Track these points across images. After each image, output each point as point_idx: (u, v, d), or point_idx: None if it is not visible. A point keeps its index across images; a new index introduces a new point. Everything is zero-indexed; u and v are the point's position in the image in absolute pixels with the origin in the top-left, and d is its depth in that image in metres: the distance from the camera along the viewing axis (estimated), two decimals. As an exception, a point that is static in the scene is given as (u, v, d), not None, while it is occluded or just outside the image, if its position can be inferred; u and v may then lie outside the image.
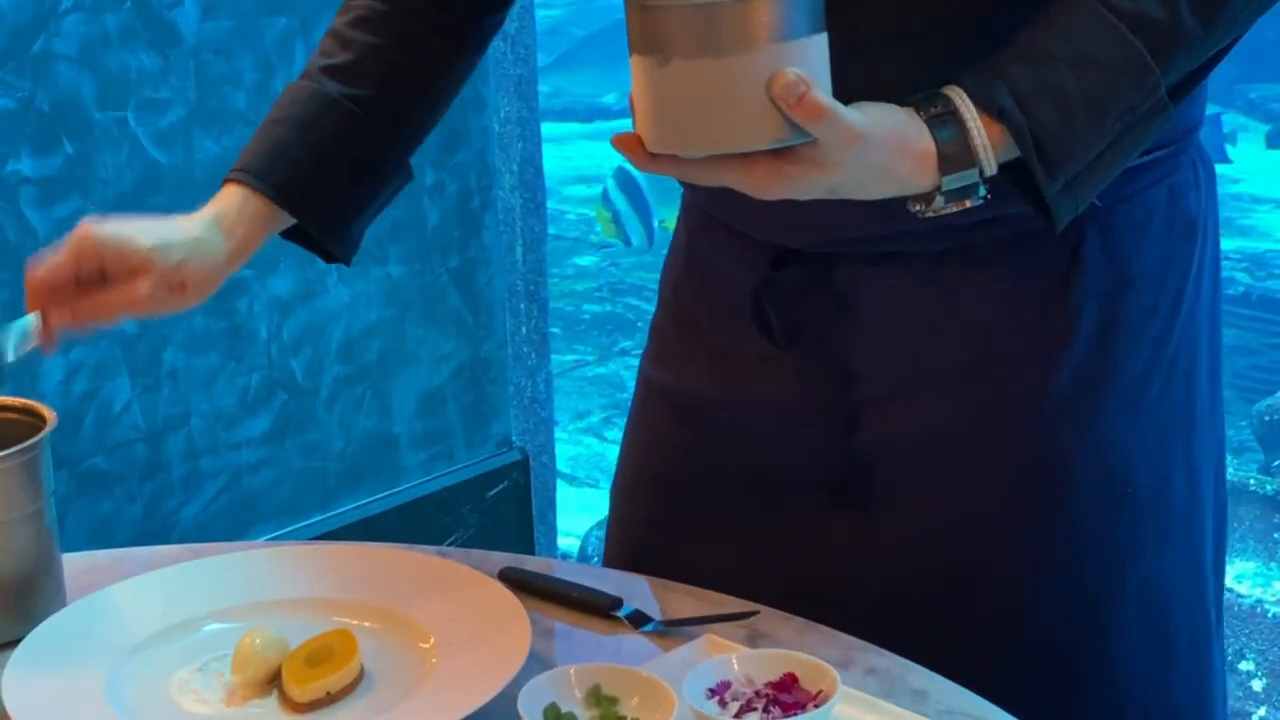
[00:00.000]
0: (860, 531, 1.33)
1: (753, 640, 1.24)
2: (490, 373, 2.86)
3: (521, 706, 1.10)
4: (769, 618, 1.27)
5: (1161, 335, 1.31)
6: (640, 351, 1.50)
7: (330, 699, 1.18)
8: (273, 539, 2.52)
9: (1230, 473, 3.31)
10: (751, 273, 1.33)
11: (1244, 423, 4.31)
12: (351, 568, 1.32)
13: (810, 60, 1.06)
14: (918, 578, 1.32)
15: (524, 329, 2.92)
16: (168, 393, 2.47)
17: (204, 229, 1.34)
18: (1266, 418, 4.30)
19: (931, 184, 1.11)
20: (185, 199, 2.46)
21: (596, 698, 1.13)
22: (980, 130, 1.11)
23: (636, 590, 1.32)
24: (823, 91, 1.06)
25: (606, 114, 7.59)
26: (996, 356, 1.29)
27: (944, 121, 1.11)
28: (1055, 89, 1.11)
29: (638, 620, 1.27)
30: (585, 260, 6.30)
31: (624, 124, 1.13)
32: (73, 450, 2.36)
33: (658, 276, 1.48)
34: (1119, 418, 1.30)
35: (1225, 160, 6.24)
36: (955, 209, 1.13)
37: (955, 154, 1.11)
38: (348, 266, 1.45)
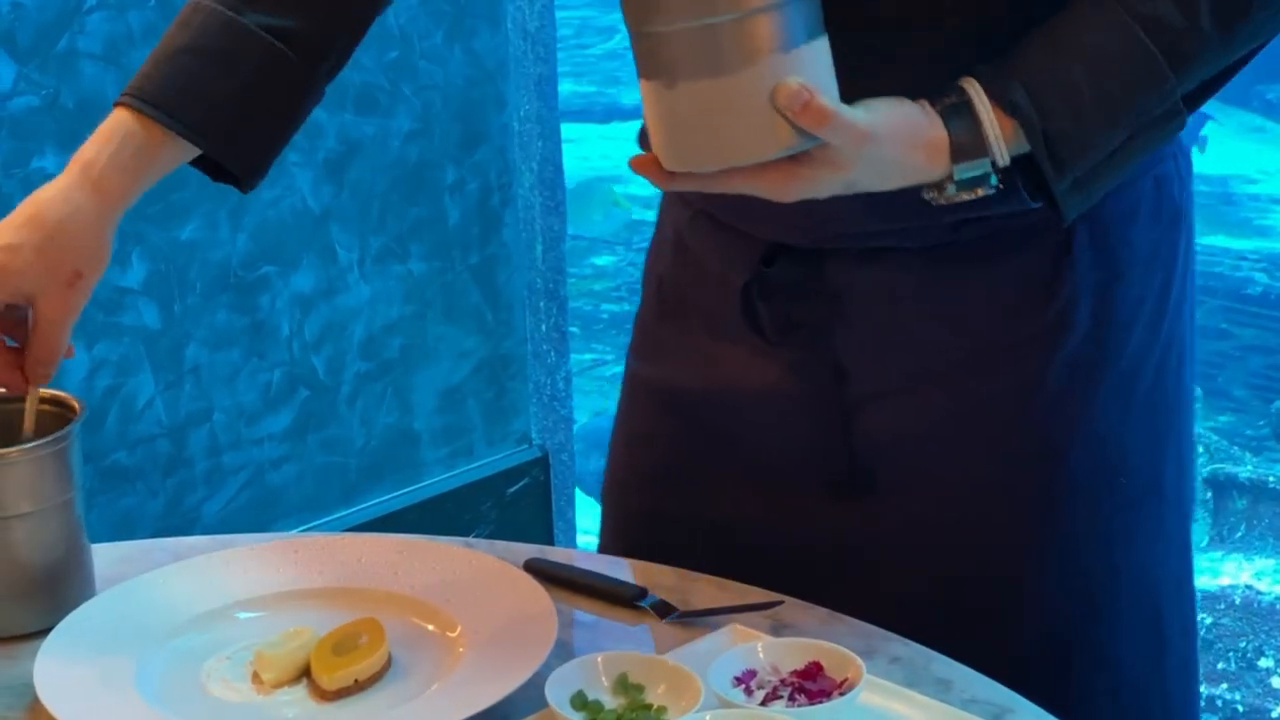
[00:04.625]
0: (856, 525, 1.34)
1: (777, 630, 1.24)
2: (510, 370, 2.86)
3: (549, 694, 1.11)
4: (792, 607, 1.28)
5: (1152, 326, 1.32)
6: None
7: (358, 687, 1.19)
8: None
9: (1249, 470, 3.32)
10: (743, 268, 1.33)
11: (1261, 421, 4.30)
12: (378, 558, 1.33)
13: (812, 66, 1.08)
14: (915, 571, 1.33)
15: (543, 326, 2.92)
16: (190, 389, 2.48)
17: (61, 207, 1.27)
18: (1285, 416, 4.29)
19: (944, 172, 1.13)
20: (207, 194, 2.48)
21: (624, 686, 1.14)
22: (993, 121, 1.12)
23: (660, 580, 1.32)
24: (827, 96, 1.08)
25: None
26: (990, 352, 1.29)
27: (957, 111, 1.13)
28: (1069, 87, 1.12)
29: (662, 610, 1.28)
30: (603, 260, 6.30)
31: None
32: (96, 446, 2.37)
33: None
34: (1113, 409, 1.31)
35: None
36: (968, 197, 1.14)
37: (967, 143, 1.12)
38: (245, 194, 1.37)
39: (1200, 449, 3.36)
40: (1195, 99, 1.18)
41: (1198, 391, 3.44)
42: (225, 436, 2.53)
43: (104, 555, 1.36)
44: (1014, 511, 1.32)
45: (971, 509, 1.32)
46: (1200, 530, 3.29)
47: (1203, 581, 3.00)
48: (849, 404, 1.32)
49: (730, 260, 1.35)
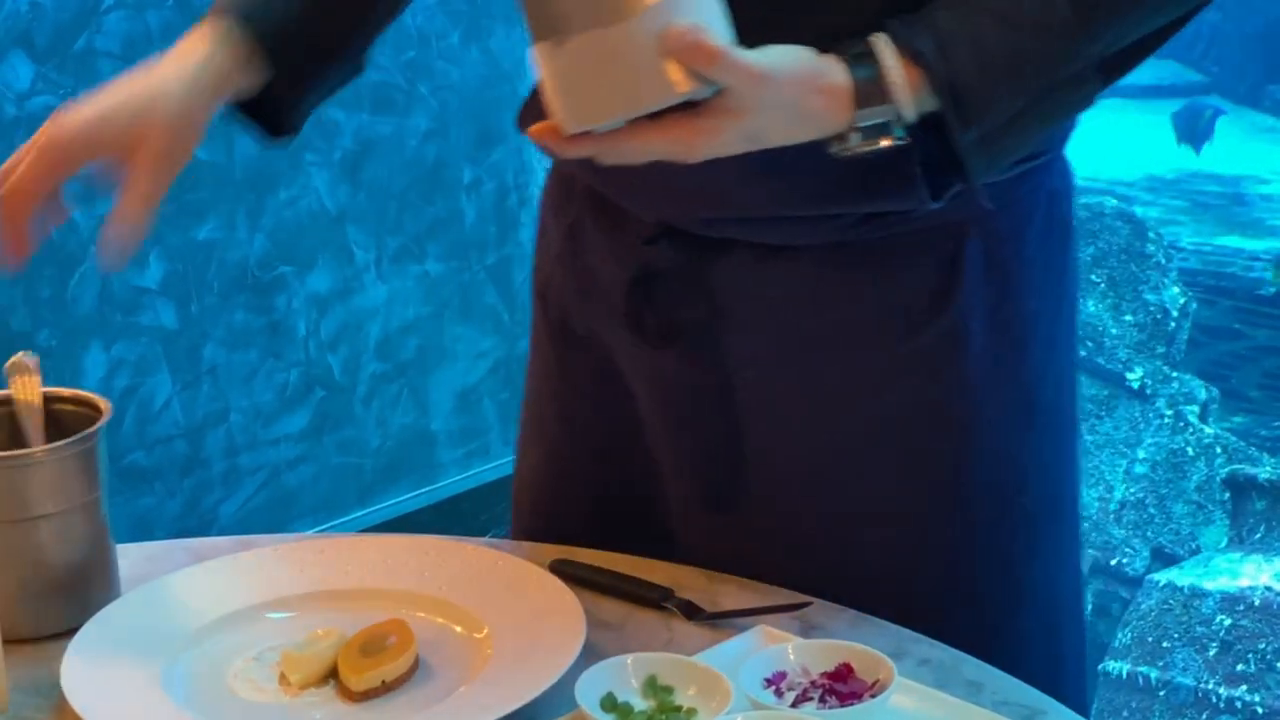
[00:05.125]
0: (746, 543, 1.33)
1: (805, 631, 1.24)
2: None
3: (579, 695, 1.10)
4: (821, 609, 1.27)
5: (1049, 343, 1.31)
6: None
7: (386, 688, 1.18)
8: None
9: (1268, 471, 3.31)
10: (629, 262, 1.31)
11: (1277, 422, 4.29)
12: (403, 558, 1.32)
13: (702, 9, 1.07)
14: (813, 586, 1.30)
15: (559, 327, 2.92)
16: (207, 389, 2.47)
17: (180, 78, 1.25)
18: (1299, 418, 4.29)
19: (847, 120, 1.11)
20: (224, 195, 2.48)
21: (653, 687, 1.13)
22: (898, 69, 1.11)
23: (686, 581, 1.31)
24: (717, 37, 1.06)
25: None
26: (884, 366, 1.27)
27: (861, 59, 1.12)
28: (976, 39, 1.12)
29: (689, 611, 1.27)
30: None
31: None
32: (113, 446, 2.36)
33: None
34: (1015, 429, 1.30)
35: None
36: (869, 148, 1.12)
37: (870, 90, 1.11)
38: (283, 150, 1.39)
39: (1218, 450, 3.35)
40: (1113, 69, 1.16)
41: (1214, 391, 3.44)
42: (242, 437, 2.52)
43: (126, 555, 1.35)
44: (912, 531, 1.30)
45: (867, 530, 1.30)
46: (1219, 531, 3.29)
47: (1221, 583, 2.99)
48: (737, 418, 1.31)
49: (617, 256, 1.32)
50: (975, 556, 1.31)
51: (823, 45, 1.12)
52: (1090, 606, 3.26)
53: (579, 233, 1.37)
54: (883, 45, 1.12)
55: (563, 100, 1.09)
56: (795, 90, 1.10)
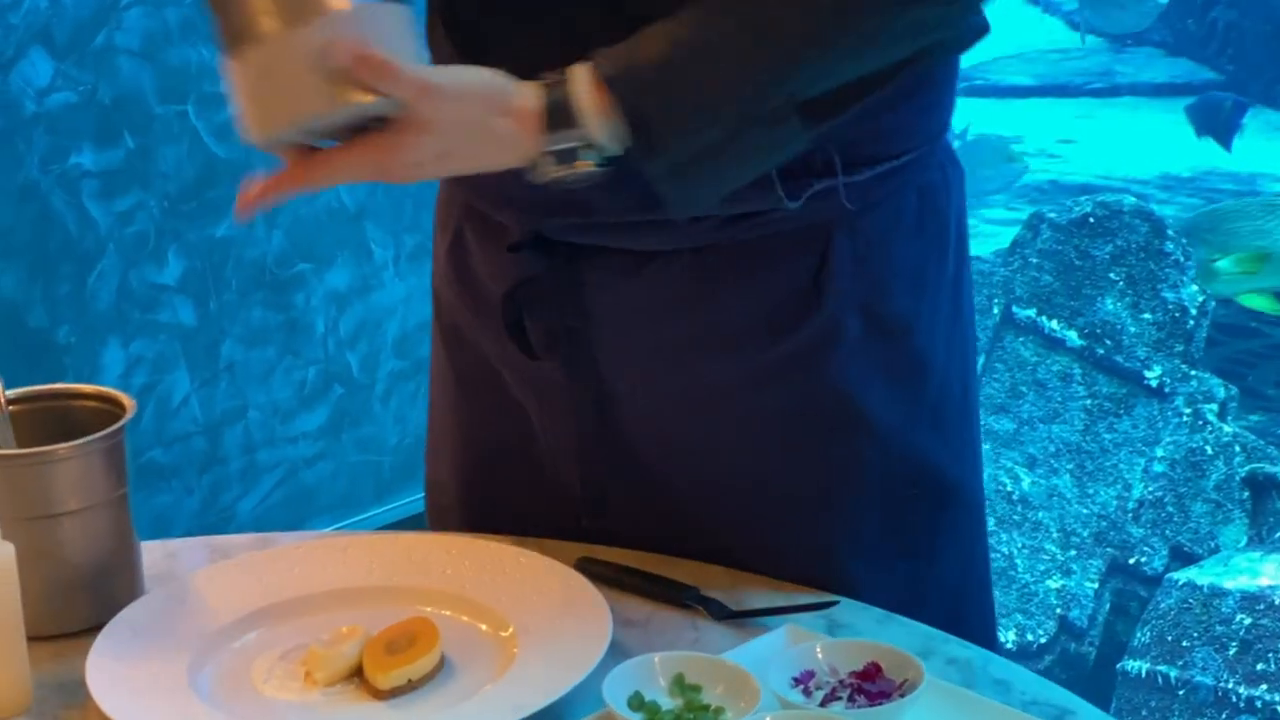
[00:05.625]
0: (633, 536, 1.33)
1: (832, 630, 1.23)
2: (543, 367, 2.86)
3: (607, 694, 1.10)
4: (848, 607, 1.26)
5: (947, 341, 1.31)
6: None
7: (411, 686, 1.18)
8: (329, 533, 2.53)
9: (1296, 472, 3.30)
10: (502, 278, 1.31)
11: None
12: (428, 556, 1.32)
13: (377, 25, 1.09)
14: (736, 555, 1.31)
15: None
16: (225, 386, 2.47)
17: None
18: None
19: (535, 143, 1.13)
20: (242, 193, 2.47)
21: (681, 686, 1.13)
22: (589, 95, 1.12)
23: (713, 580, 1.31)
24: (390, 51, 1.08)
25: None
26: (763, 366, 1.27)
27: (554, 86, 1.13)
28: (667, 69, 1.12)
29: (715, 610, 1.27)
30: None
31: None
32: (131, 443, 2.35)
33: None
34: (898, 421, 1.30)
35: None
36: (564, 174, 1.13)
37: (559, 115, 1.12)
38: None
39: (1237, 449, 3.34)
40: (816, 113, 1.15)
41: (1233, 390, 3.43)
42: (260, 434, 2.52)
43: (148, 552, 1.35)
44: (813, 529, 1.30)
45: (763, 530, 1.30)
46: (1238, 530, 3.28)
47: (1241, 582, 2.98)
48: (617, 430, 1.31)
49: (494, 268, 1.32)
50: (875, 547, 1.31)
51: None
52: (1108, 605, 3.25)
53: (459, 247, 1.37)
54: (578, 71, 1.13)
55: (246, 110, 1.11)
56: (479, 109, 1.12)
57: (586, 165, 1.13)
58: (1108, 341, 3.40)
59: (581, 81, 1.12)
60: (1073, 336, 3.40)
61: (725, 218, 1.23)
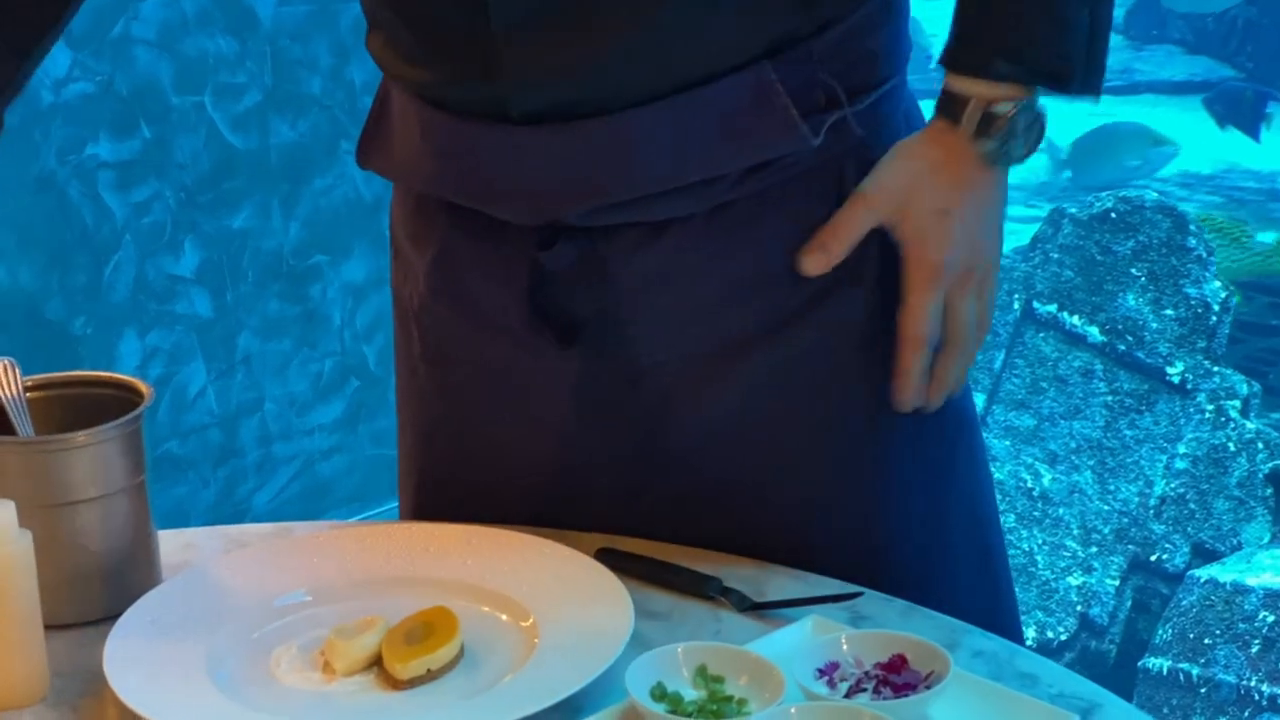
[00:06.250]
0: (674, 523, 1.32)
1: (856, 621, 1.22)
2: (560, 362, 2.85)
3: (629, 684, 1.09)
4: (871, 599, 1.25)
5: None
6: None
7: (431, 676, 1.17)
8: (344, 526, 2.52)
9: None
10: (518, 273, 1.29)
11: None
12: (447, 545, 1.30)
13: None
14: (741, 547, 1.31)
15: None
16: (242, 378, 2.47)
17: None
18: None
19: (983, 152, 1.24)
20: (260, 183, 2.47)
21: (704, 677, 1.12)
22: (988, 91, 1.23)
23: (735, 570, 1.30)
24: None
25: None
26: (787, 315, 1.28)
27: (955, 113, 1.24)
28: (1020, 20, 1.22)
29: (737, 600, 1.25)
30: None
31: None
32: (147, 434, 2.36)
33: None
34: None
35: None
36: (1034, 131, 1.24)
37: (983, 126, 1.23)
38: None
39: (1259, 445, 3.32)
40: None
41: (1256, 386, 3.41)
42: (276, 426, 2.52)
43: (165, 542, 1.34)
44: (839, 470, 1.30)
45: (791, 481, 1.30)
46: (1260, 527, 3.26)
47: (1264, 579, 2.97)
48: (647, 408, 1.30)
49: (500, 272, 1.30)
50: (903, 486, 1.32)
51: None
52: (1130, 602, 3.24)
53: (449, 261, 1.34)
54: (971, 86, 1.23)
55: None
56: (910, 178, 1.24)
57: (1031, 117, 1.24)
58: (1129, 337, 3.39)
59: (978, 89, 1.23)
60: (1094, 332, 3.39)
61: (740, 172, 1.24)
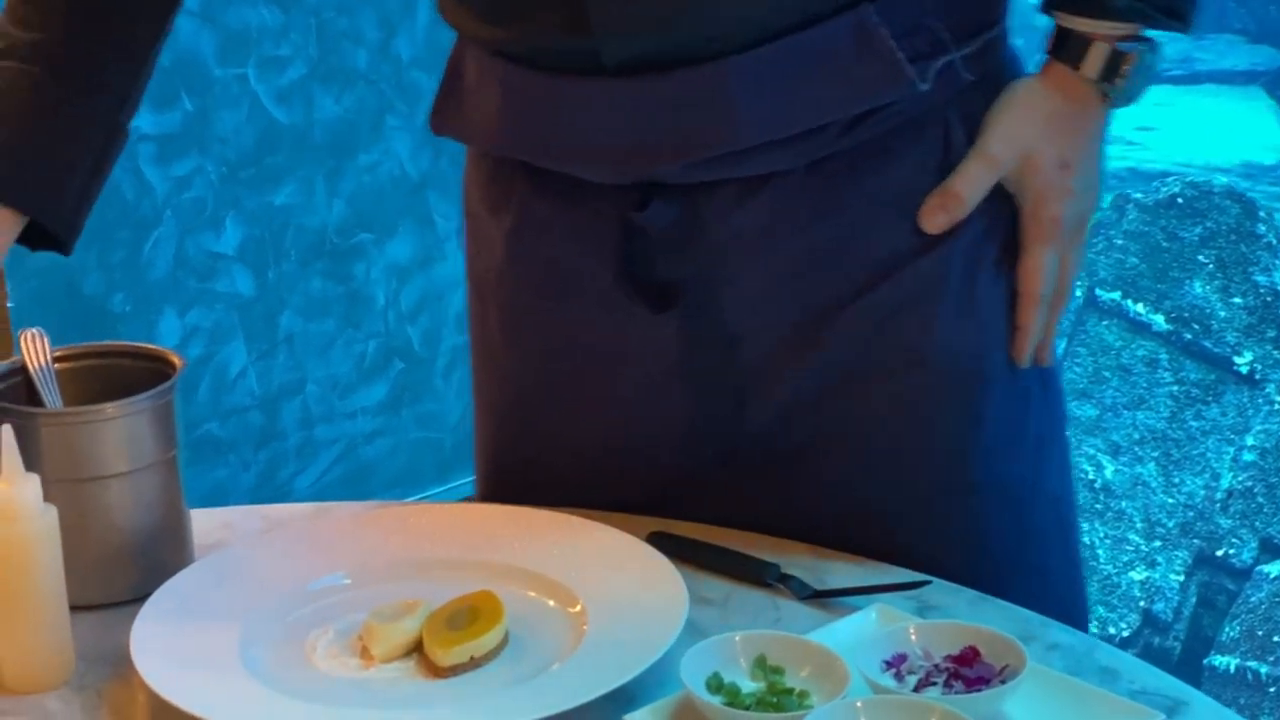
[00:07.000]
0: (753, 497, 1.27)
1: (922, 611, 1.16)
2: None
3: (684, 675, 1.03)
4: (939, 588, 1.19)
5: None
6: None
7: (474, 664, 1.12)
8: (387, 511, 2.49)
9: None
10: (609, 236, 1.24)
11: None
12: (492, 527, 1.26)
13: None
14: (831, 527, 1.26)
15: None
16: (283, 359, 2.44)
17: None
18: None
19: (1110, 90, 1.22)
20: (303, 159, 2.43)
21: (763, 668, 1.06)
22: (1111, 30, 1.21)
23: (794, 556, 1.24)
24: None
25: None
26: (887, 272, 1.23)
27: (1074, 57, 1.22)
28: None
29: (797, 588, 1.20)
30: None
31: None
32: (187, 415, 2.31)
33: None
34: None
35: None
36: (1145, 60, 1.21)
37: (1106, 70, 1.21)
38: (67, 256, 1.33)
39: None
40: None
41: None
42: (318, 408, 2.49)
43: (200, 522, 1.30)
44: (931, 445, 1.25)
45: (893, 453, 1.25)
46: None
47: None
48: (742, 376, 1.25)
49: (590, 237, 1.25)
50: (994, 454, 1.27)
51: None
52: (1195, 598, 3.18)
53: (528, 230, 1.29)
54: (1090, 30, 1.21)
55: None
56: (1035, 127, 1.22)
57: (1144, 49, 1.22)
58: (1195, 326, 3.34)
59: (1101, 28, 1.21)
60: (1159, 320, 3.35)
61: (844, 123, 1.20)
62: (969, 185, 1.22)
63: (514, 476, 1.37)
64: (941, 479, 1.26)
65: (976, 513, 1.27)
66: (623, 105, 1.18)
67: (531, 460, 1.35)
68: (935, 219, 1.22)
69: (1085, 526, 3.23)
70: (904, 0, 1.19)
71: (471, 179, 1.35)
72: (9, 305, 2.20)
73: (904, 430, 1.25)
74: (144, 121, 2.23)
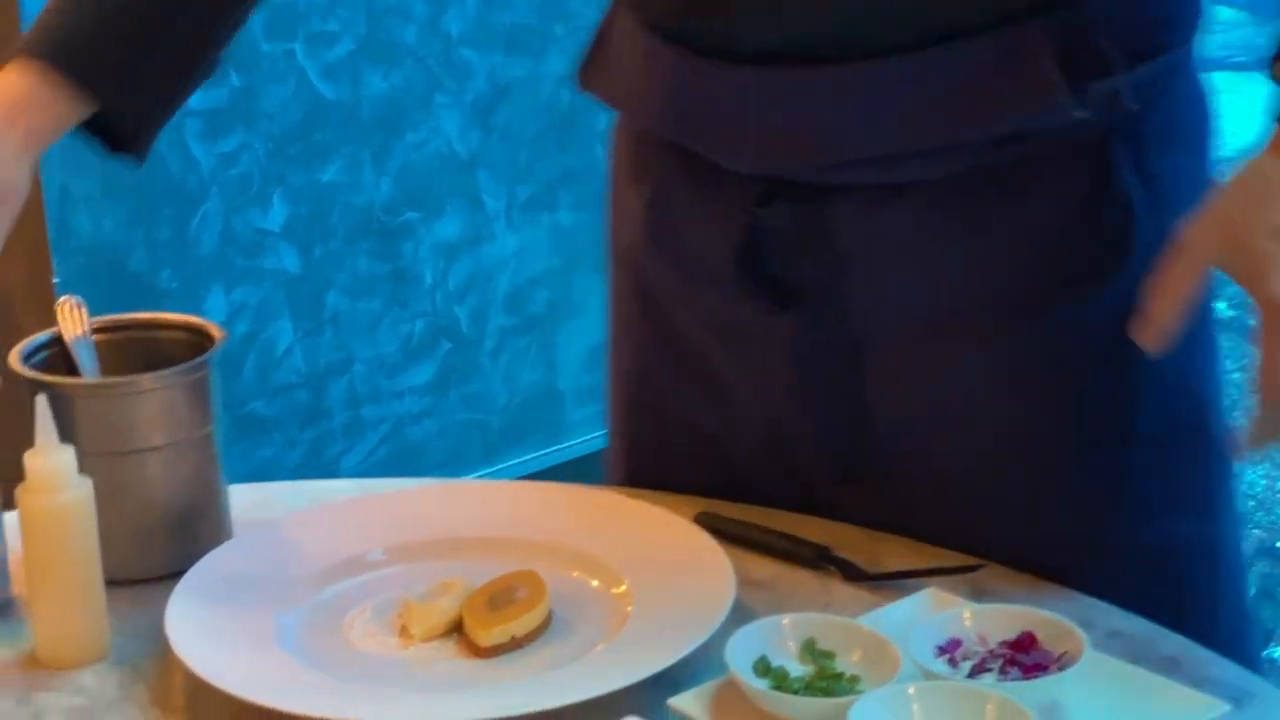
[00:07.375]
0: (864, 506, 1.22)
1: (977, 596, 1.13)
2: (659, 327, 2.78)
3: (729, 658, 1.00)
4: (994, 572, 1.16)
5: None
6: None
7: (515, 644, 1.10)
8: (433, 492, 2.47)
9: None
10: (734, 226, 1.19)
11: None
12: (535, 505, 1.23)
13: None
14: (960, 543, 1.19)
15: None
16: (330, 337, 2.42)
17: None
18: None
19: None
20: (351, 136, 2.41)
21: (812, 652, 1.03)
22: None
23: (845, 538, 1.21)
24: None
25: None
26: (1027, 296, 1.16)
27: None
28: None
29: (848, 571, 1.16)
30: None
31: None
32: (232, 393, 2.31)
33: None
34: (1186, 348, 1.13)
35: None
36: None
37: None
38: (140, 166, 1.29)
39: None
40: None
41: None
42: (365, 388, 2.47)
43: (240, 498, 1.28)
44: (1071, 482, 1.18)
45: (1012, 495, 1.19)
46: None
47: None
48: (863, 383, 1.20)
49: (717, 222, 1.21)
50: (1141, 502, 1.20)
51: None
52: (1254, 590, 3.13)
53: (663, 204, 1.26)
54: None
55: None
56: (1245, 205, 1.04)
57: None
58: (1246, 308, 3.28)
59: None
60: (1221, 306, 3.28)
61: (991, 140, 1.13)
62: (1170, 288, 1.06)
63: (647, 461, 1.34)
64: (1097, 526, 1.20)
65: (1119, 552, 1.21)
66: (754, 94, 1.14)
67: (665, 443, 1.32)
68: (1149, 341, 1.07)
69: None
70: (1072, 15, 1.11)
71: (617, 148, 1.32)
72: (55, 281, 2.19)
73: (1037, 450, 1.19)
74: (190, 97, 2.21)
